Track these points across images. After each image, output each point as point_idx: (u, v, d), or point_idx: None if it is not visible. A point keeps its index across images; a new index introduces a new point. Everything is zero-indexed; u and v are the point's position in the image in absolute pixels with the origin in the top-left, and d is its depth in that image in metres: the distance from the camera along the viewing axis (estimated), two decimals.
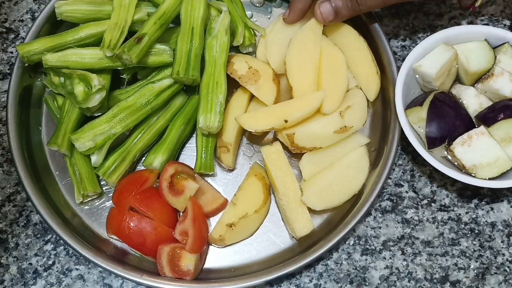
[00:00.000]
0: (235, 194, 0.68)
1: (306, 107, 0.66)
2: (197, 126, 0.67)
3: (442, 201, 0.70)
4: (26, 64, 0.71)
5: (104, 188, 0.71)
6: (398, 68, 0.68)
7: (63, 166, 0.71)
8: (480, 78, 0.69)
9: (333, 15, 0.67)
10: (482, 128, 0.64)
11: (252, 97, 0.72)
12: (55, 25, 0.74)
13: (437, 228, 0.68)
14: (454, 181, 0.68)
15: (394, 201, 0.70)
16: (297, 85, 0.68)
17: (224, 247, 0.67)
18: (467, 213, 0.69)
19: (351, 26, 0.72)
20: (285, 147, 0.69)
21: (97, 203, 0.70)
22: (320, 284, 0.66)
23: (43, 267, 0.67)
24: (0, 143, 0.75)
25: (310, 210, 0.66)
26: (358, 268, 0.67)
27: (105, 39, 0.66)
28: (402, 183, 0.71)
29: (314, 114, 0.68)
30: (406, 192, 0.70)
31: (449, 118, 0.65)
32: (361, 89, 0.72)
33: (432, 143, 0.65)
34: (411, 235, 0.68)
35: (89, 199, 0.70)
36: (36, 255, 0.68)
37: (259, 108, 0.70)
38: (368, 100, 0.72)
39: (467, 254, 0.67)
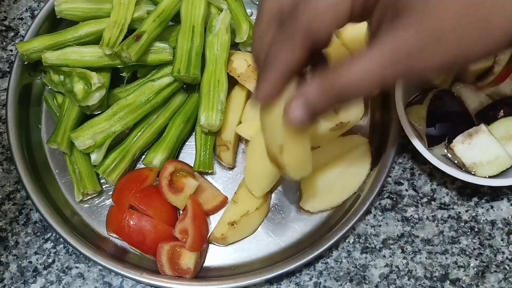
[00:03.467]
0: (235, 192, 0.68)
1: None
2: (198, 124, 0.67)
3: (442, 199, 0.70)
4: (26, 62, 0.71)
5: (104, 186, 0.71)
6: None
7: (63, 164, 0.71)
8: (480, 76, 0.68)
9: (307, 115, 0.42)
10: (482, 126, 0.64)
11: (249, 94, 0.72)
12: (55, 23, 0.74)
13: (437, 226, 0.68)
14: (454, 179, 0.68)
15: (394, 199, 0.70)
16: None
17: (226, 245, 0.67)
18: (467, 211, 0.69)
19: None
20: None
21: (97, 201, 0.70)
22: (320, 282, 0.66)
23: (43, 266, 0.67)
24: (0, 141, 0.75)
25: (309, 210, 0.66)
26: (358, 266, 0.67)
27: (105, 37, 0.66)
28: (402, 181, 0.71)
29: None
30: (406, 190, 0.70)
31: (449, 116, 0.65)
32: None
33: (432, 141, 0.65)
34: (411, 233, 0.68)
35: (89, 197, 0.70)
36: (36, 253, 0.68)
37: (257, 108, 0.70)
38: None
39: (467, 252, 0.67)
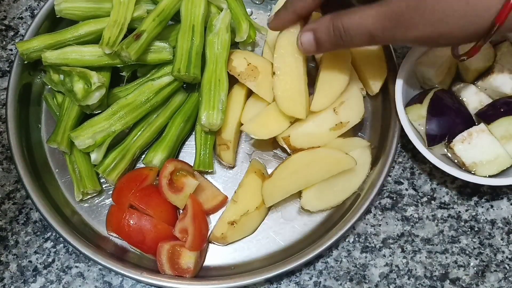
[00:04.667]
0: (235, 192, 0.68)
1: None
2: (199, 123, 0.67)
3: (442, 198, 0.70)
4: (26, 62, 0.70)
5: (103, 186, 0.71)
6: (398, 65, 0.68)
7: (63, 164, 0.71)
8: (480, 75, 0.68)
9: (314, 46, 0.59)
10: (482, 125, 0.64)
11: (248, 93, 0.72)
12: (55, 22, 0.74)
13: (437, 225, 0.68)
14: (454, 178, 0.68)
15: (394, 198, 0.70)
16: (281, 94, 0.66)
17: (226, 245, 0.67)
18: (467, 210, 0.69)
19: None
20: (285, 150, 0.69)
21: (97, 200, 0.70)
22: (320, 281, 0.66)
23: (43, 265, 0.67)
24: (0, 140, 0.75)
25: (309, 210, 0.66)
26: (358, 266, 0.67)
27: (104, 37, 0.66)
28: (402, 180, 0.71)
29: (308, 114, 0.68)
30: (406, 189, 0.70)
31: (449, 116, 0.65)
32: (367, 81, 0.71)
33: (432, 140, 0.65)
34: (411, 233, 0.68)
35: (89, 196, 0.70)
36: (36, 252, 0.68)
37: (257, 107, 0.70)
38: (369, 97, 0.72)
39: (467, 252, 0.67)
